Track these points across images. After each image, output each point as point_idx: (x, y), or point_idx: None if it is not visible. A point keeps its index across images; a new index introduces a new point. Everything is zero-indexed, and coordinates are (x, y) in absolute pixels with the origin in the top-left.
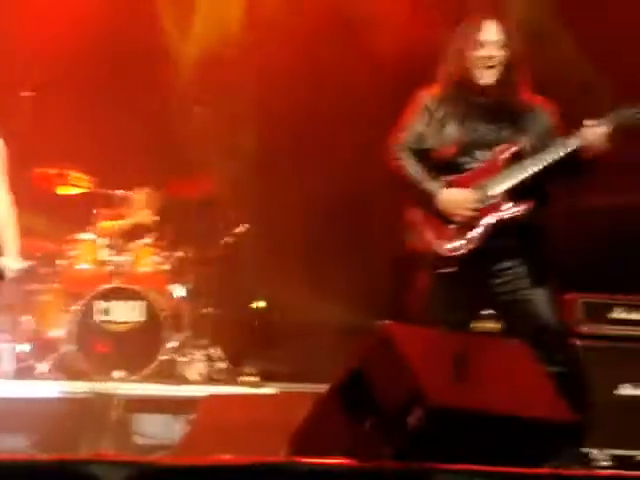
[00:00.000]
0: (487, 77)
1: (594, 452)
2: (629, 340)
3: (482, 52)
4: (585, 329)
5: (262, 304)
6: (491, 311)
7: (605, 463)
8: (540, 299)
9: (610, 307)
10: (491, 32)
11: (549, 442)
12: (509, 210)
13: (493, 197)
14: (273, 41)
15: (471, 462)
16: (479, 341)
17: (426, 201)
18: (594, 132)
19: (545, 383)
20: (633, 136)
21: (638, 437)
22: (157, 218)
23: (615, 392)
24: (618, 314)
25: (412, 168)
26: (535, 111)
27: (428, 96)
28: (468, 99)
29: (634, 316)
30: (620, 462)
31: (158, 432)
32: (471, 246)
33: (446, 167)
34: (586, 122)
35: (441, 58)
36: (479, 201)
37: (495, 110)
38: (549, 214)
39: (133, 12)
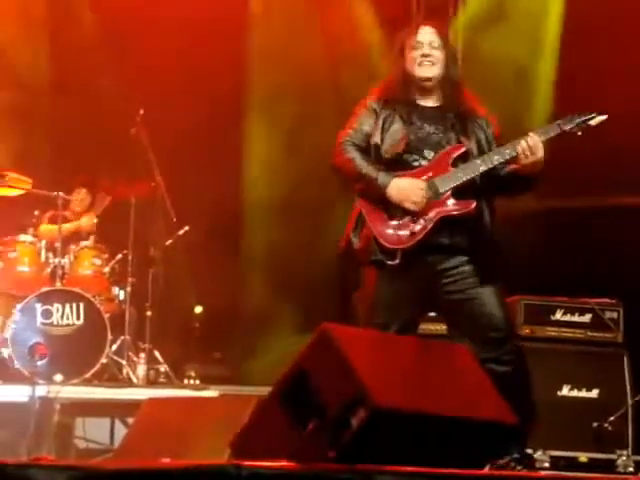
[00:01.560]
0: (425, 71)
1: (537, 453)
2: (570, 342)
3: (417, 52)
4: (527, 331)
5: (199, 309)
6: (434, 313)
7: (547, 464)
8: (487, 298)
9: (551, 309)
10: (425, 34)
11: (492, 443)
12: (454, 207)
13: (442, 194)
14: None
15: (414, 464)
16: (422, 343)
17: (372, 195)
18: (525, 143)
19: (487, 385)
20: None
21: (580, 438)
22: (96, 220)
23: (557, 394)
24: (559, 316)
25: (359, 161)
26: (479, 120)
27: (374, 98)
28: (413, 102)
29: (575, 318)
30: (562, 463)
31: (99, 436)
32: (415, 240)
33: (394, 164)
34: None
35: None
36: (428, 195)
37: (440, 113)
38: (496, 215)
39: None
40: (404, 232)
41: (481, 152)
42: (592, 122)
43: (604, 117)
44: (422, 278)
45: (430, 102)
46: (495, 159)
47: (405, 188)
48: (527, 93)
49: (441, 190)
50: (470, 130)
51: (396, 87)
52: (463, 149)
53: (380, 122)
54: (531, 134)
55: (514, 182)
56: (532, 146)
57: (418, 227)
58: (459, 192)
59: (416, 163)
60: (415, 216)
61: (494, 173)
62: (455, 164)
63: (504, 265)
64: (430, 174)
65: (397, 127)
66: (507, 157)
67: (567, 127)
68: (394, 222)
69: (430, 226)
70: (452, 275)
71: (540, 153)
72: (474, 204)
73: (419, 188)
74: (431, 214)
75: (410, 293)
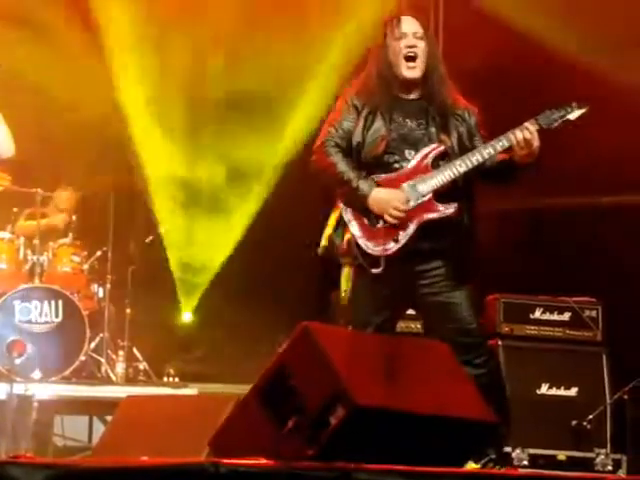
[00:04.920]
0: (411, 71)
1: (515, 451)
2: (549, 341)
3: (402, 42)
4: (506, 329)
5: (188, 316)
6: (413, 312)
7: (526, 462)
8: (460, 302)
9: (531, 307)
10: (409, 25)
11: (471, 442)
12: (436, 210)
13: (423, 196)
14: None
15: (393, 462)
16: (401, 341)
17: (354, 200)
18: (521, 134)
19: (467, 384)
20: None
21: (558, 436)
22: (74, 218)
23: (536, 392)
24: (539, 314)
25: (341, 165)
26: (461, 111)
27: (354, 93)
28: (395, 95)
29: (555, 317)
30: (541, 462)
31: (78, 434)
32: (399, 247)
33: (374, 165)
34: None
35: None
36: (410, 200)
37: (422, 107)
38: (476, 215)
39: None
40: (387, 240)
41: (462, 147)
42: (571, 116)
43: (584, 110)
44: (400, 279)
45: (412, 94)
46: (474, 159)
47: (385, 200)
48: None
49: (422, 193)
50: (451, 125)
51: (377, 81)
52: (442, 148)
53: (362, 120)
54: (527, 125)
55: (505, 171)
56: (527, 138)
57: (401, 234)
58: (440, 194)
59: (397, 165)
60: (399, 222)
61: (482, 165)
62: (435, 164)
63: (480, 267)
64: (410, 177)
65: (378, 126)
66: (486, 156)
67: (545, 123)
68: (376, 228)
69: (412, 231)
70: (428, 277)
71: (536, 143)
72: (455, 206)
73: (399, 200)
74: (413, 219)
75: (389, 293)
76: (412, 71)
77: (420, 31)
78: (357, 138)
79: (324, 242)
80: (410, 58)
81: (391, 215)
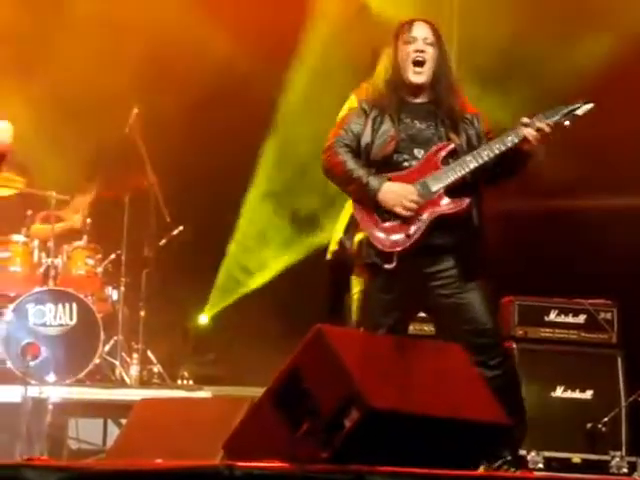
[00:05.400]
0: (416, 76)
1: (530, 454)
2: (564, 343)
3: (411, 47)
4: (521, 332)
5: (204, 319)
6: (424, 314)
7: (541, 465)
8: (474, 302)
9: (546, 310)
10: (420, 30)
11: (485, 444)
12: (447, 206)
13: (434, 193)
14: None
15: (407, 464)
16: (414, 343)
17: (364, 197)
18: (530, 128)
19: (480, 386)
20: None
21: (573, 439)
22: (89, 220)
23: (551, 395)
24: (554, 317)
25: (350, 163)
26: (470, 116)
27: (362, 96)
28: (402, 98)
29: (570, 319)
30: (556, 464)
31: (92, 436)
32: (411, 242)
33: (384, 165)
34: (522, 119)
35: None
36: (421, 195)
37: (430, 110)
38: (484, 212)
39: None
40: (400, 234)
41: (471, 148)
42: (579, 112)
43: (590, 106)
44: (413, 280)
45: (419, 98)
46: (485, 154)
47: (396, 193)
48: None
49: (433, 189)
50: (460, 128)
51: (385, 83)
52: (452, 146)
53: (370, 122)
54: (535, 120)
55: (512, 162)
56: (544, 132)
57: (413, 229)
58: (451, 190)
59: (406, 163)
60: (408, 218)
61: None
62: (445, 162)
63: (489, 265)
64: (421, 174)
65: (386, 127)
66: (497, 152)
67: (553, 119)
68: (388, 225)
69: (425, 227)
70: (441, 278)
71: (548, 129)
72: (467, 201)
73: (410, 193)
74: (425, 214)
75: (401, 294)
76: (418, 76)
77: (431, 37)
78: (366, 139)
79: (334, 246)
80: (417, 63)
81: (403, 206)
